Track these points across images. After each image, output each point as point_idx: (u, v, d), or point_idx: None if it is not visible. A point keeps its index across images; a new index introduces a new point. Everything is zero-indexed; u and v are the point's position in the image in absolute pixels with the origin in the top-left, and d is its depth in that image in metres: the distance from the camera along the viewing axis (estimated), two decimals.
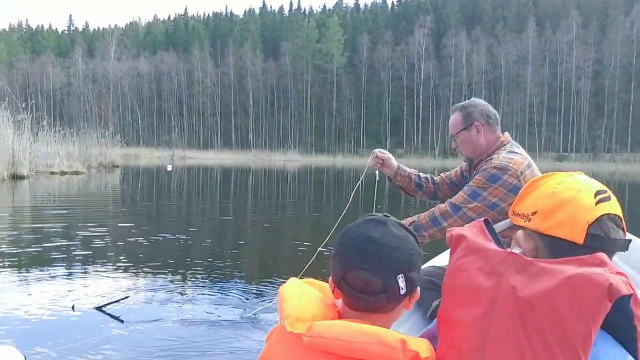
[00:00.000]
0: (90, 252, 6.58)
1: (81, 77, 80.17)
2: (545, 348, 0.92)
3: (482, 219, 1.17)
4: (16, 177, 17.27)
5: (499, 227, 1.21)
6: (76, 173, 21.54)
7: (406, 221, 2.44)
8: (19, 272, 5.28)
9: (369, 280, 1.06)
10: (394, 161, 2.91)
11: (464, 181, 2.71)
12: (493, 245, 1.09)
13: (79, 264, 5.72)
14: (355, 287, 1.07)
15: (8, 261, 5.76)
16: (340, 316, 1.12)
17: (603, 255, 0.95)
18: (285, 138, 77.71)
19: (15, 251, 6.33)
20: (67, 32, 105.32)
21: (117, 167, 27.92)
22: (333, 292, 1.14)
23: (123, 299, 4.20)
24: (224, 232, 9.34)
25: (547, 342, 0.92)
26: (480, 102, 2.64)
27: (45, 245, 6.96)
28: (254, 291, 4.85)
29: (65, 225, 9.17)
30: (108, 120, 68.89)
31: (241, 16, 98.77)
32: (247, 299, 4.56)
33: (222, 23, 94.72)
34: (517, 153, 2.44)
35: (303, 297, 1.12)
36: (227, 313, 4.16)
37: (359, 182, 2.97)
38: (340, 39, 78.77)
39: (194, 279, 5.24)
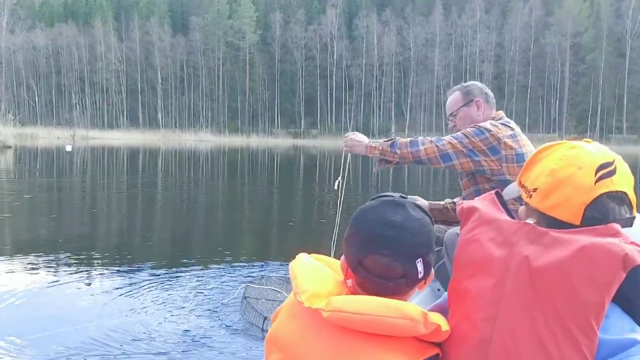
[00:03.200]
0: None
1: None
2: (558, 317, 0.92)
3: (494, 190, 1.17)
4: None
5: (508, 194, 1.23)
6: None
7: (384, 140, 2.59)
8: None
9: (389, 265, 1.04)
10: (421, 200, 2.86)
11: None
12: (505, 216, 1.08)
13: None
14: (373, 272, 1.05)
15: None
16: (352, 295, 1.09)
17: (617, 225, 0.95)
18: (197, 117, 75.43)
19: None
20: None
21: (10, 147, 25.74)
22: (345, 274, 1.11)
23: None
24: (131, 213, 8.74)
25: (560, 311, 0.92)
26: (478, 83, 2.73)
27: None
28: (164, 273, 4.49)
29: None
30: (0, 96, 63.51)
31: None
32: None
33: None
34: (504, 124, 2.53)
35: (316, 273, 1.10)
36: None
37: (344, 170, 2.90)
38: (252, 15, 77.08)
39: (99, 271, 4.78)
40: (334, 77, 73.46)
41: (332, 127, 71.40)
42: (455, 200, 2.98)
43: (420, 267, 1.05)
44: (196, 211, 9.58)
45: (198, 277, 4.63)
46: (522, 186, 1.10)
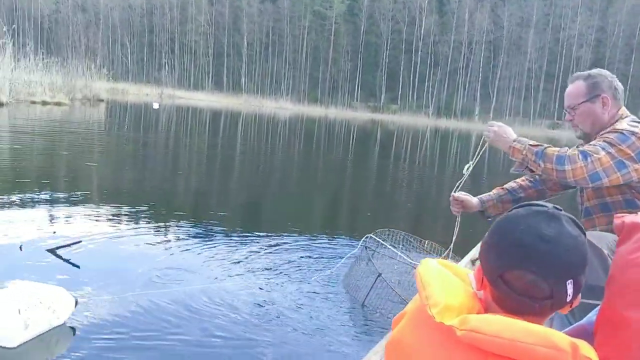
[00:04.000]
0: (63, 189, 6.14)
1: (70, 5, 77.14)
2: None
3: None
4: None
5: None
6: (58, 104, 20.79)
7: (530, 143, 2.28)
8: None
9: (535, 284, 0.93)
10: (471, 198, 2.71)
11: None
12: None
13: (45, 200, 5.26)
14: (515, 289, 0.95)
15: None
16: (484, 310, 1.00)
17: None
18: (278, 85, 76.18)
19: None
20: None
21: (102, 101, 27.10)
22: (479, 285, 1.02)
23: (75, 243, 3.79)
24: (212, 177, 8.91)
25: None
26: (608, 73, 2.34)
27: (15, 177, 6.51)
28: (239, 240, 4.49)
29: (39, 156, 8.68)
30: (96, 52, 66.96)
31: None
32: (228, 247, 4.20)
33: None
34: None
35: (448, 284, 1.01)
36: (205, 270, 3.78)
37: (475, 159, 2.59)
38: None
39: (177, 226, 4.86)
40: (419, 53, 71.57)
41: (412, 104, 69.88)
42: (524, 180, 2.66)
43: (570, 288, 0.94)
44: (271, 177, 9.63)
45: (274, 245, 4.59)
46: None
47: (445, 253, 3.05)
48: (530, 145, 2.26)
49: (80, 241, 3.86)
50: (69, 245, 3.74)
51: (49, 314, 2.52)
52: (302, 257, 4.28)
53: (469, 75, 70.28)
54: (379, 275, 3.35)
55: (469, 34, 68.98)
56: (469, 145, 26.96)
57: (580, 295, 0.98)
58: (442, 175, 12.20)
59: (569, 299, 0.95)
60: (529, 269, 0.93)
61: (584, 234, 0.97)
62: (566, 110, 2.38)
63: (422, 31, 70.88)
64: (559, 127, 60.37)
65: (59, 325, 2.57)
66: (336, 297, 3.51)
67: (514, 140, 2.32)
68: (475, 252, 2.71)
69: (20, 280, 2.69)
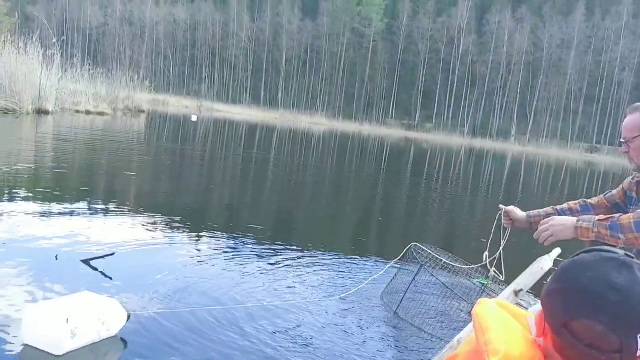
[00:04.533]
0: (101, 197, 6.47)
1: (118, 18, 79.95)
2: None
3: None
4: (41, 112, 17.32)
5: None
6: (101, 114, 21.59)
7: (598, 218, 2.06)
8: (16, 210, 4.98)
9: (604, 335, 0.87)
10: (519, 212, 2.63)
11: (628, 202, 2.40)
12: None
13: (83, 209, 5.45)
14: (582, 340, 0.89)
15: (7, 196, 5.66)
16: (545, 359, 0.96)
17: None
18: (314, 100, 76.90)
19: (17, 189, 6.21)
20: None
21: (143, 112, 27.96)
22: (540, 332, 0.97)
23: (108, 255, 3.85)
24: (246, 190, 9.20)
25: None
26: None
27: (55, 185, 6.87)
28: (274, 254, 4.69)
29: (78, 164, 9.10)
30: (140, 64, 68.97)
31: None
32: (266, 261, 4.40)
33: None
34: None
35: (508, 330, 0.96)
36: (242, 286, 4.01)
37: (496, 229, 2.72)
38: (381, 3, 76.72)
39: (213, 239, 5.07)
40: (456, 72, 71.29)
41: (447, 123, 69.53)
42: (576, 203, 2.56)
43: None
44: (303, 192, 9.85)
45: (302, 261, 4.78)
46: None
47: (491, 259, 2.90)
48: (599, 220, 2.03)
49: (114, 253, 3.92)
50: (102, 257, 3.81)
51: (99, 325, 2.57)
52: (331, 273, 4.34)
53: (506, 95, 69.55)
54: (422, 266, 3.40)
55: (508, 54, 68.44)
56: (503, 167, 26.69)
57: None
58: (476, 198, 12.21)
59: (639, 353, 0.88)
60: (599, 319, 0.87)
61: None
62: (621, 140, 2.30)
63: (461, 51, 70.68)
64: (597, 150, 59.05)
65: (109, 337, 2.62)
66: (369, 313, 3.55)
67: (578, 221, 2.10)
68: (520, 281, 2.64)
69: (79, 292, 2.77)
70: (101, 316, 2.58)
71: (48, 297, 2.99)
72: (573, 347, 0.90)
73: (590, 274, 0.89)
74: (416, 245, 3.81)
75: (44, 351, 2.42)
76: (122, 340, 2.69)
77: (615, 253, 0.92)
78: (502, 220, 2.65)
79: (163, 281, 3.58)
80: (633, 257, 0.91)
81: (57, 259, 3.71)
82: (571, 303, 0.89)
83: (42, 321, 2.44)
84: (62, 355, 2.41)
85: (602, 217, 2.04)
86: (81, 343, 2.48)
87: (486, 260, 2.83)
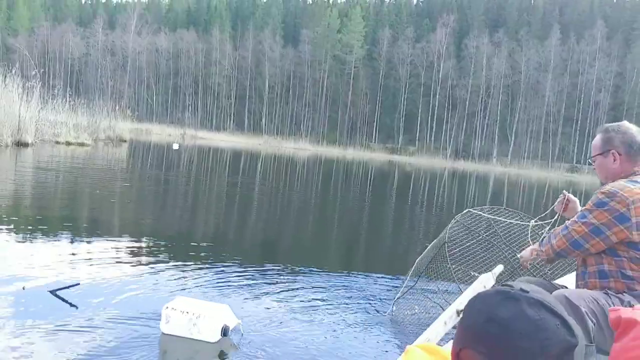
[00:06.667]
0: (76, 226, 6.41)
1: (100, 48, 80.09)
2: None
3: None
4: (20, 144, 17.09)
5: None
6: (82, 144, 21.44)
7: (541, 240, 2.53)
8: None
9: None
10: (578, 206, 2.70)
11: None
12: None
13: (57, 239, 5.42)
14: None
15: None
16: None
17: None
18: (298, 126, 77.34)
19: None
20: (89, 1, 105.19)
21: (125, 141, 27.81)
22: None
23: (73, 285, 3.76)
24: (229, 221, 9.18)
25: None
26: (629, 128, 2.40)
27: (33, 215, 6.81)
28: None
29: (57, 194, 9.03)
30: (123, 93, 68.96)
31: (264, 0, 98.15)
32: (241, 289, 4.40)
33: (244, 5, 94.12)
34: (637, 182, 2.25)
35: None
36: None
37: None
38: (361, 30, 78.04)
39: (197, 262, 5.08)
40: (437, 96, 72.37)
41: (430, 145, 70.25)
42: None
43: None
44: (288, 216, 9.86)
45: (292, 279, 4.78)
46: None
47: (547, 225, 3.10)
48: (540, 240, 2.52)
49: (78, 284, 3.85)
50: (67, 287, 3.74)
51: (190, 324, 3.08)
52: (317, 295, 4.41)
53: (487, 117, 70.63)
54: (444, 243, 3.61)
55: (487, 78, 69.69)
56: (487, 187, 26.96)
57: None
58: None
59: None
60: (478, 349, 0.90)
61: (560, 318, 0.88)
62: (589, 161, 2.57)
63: (440, 75, 71.85)
64: (577, 170, 59.93)
65: (206, 342, 3.08)
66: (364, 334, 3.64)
67: (532, 247, 2.61)
68: (463, 300, 2.70)
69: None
70: (193, 317, 3.07)
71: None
72: None
73: (478, 306, 0.93)
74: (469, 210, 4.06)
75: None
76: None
77: (509, 287, 0.94)
78: (556, 204, 2.76)
79: (133, 308, 3.56)
80: (527, 291, 0.91)
81: (24, 289, 3.68)
82: (461, 333, 0.94)
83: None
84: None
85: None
86: (173, 331, 3.06)
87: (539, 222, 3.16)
